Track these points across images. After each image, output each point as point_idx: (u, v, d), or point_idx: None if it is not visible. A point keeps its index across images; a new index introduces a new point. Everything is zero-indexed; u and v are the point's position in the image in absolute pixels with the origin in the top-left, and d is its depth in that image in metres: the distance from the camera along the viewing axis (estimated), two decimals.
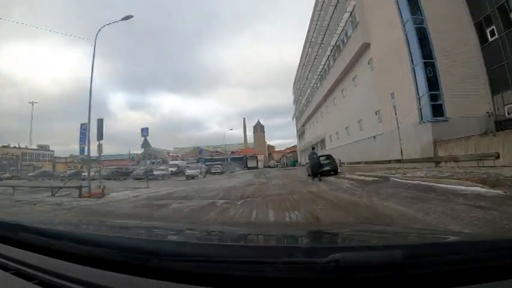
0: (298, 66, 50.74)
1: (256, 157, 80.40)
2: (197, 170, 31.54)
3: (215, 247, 0.88)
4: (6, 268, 0.84)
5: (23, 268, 0.82)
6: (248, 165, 71.66)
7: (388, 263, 0.62)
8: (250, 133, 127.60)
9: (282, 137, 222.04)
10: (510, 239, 0.96)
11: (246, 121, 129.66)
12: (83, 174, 38.72)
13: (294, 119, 62.59)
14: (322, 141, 37.10)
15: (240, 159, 77.55)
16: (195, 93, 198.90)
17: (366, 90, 22.15)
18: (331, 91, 31.31)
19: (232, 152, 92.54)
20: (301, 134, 56.12)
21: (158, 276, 0.71)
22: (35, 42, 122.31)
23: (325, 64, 31.90)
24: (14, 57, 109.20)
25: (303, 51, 44.57)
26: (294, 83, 60.10)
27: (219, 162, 48.31)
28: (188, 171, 32.12)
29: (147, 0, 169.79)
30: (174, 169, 37.88)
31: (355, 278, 0.62)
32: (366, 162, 22.44)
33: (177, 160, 60.74)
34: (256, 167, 71.84)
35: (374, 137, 21.09)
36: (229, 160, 51.42)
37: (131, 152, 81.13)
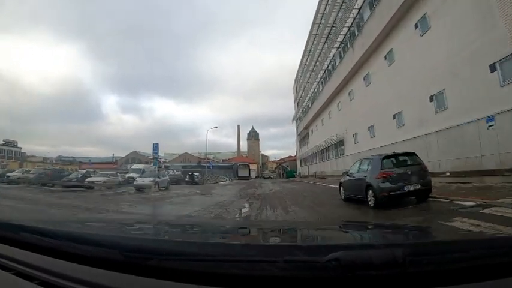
0: (303, 53, 39.78)
1: (249, 166, 69.19)
2: (150, 179, 19.74)
3: (216, 246, 0.87)
4: (7, 268, 0.81)
5: (24, 268, 0.80)
6: (239, 175, 61.12)
7: (389, 262, 0.60)
8: (244, 143, 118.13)
9: (277, 147, 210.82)
10: (509, 237, 0.92)
11: (241, 130, 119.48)
12: (7, 175, 27.54)
13: (294, 121, 51.36)
14: (339, 143, 25.62)
15: (230, 167, 66.58)
16: (188, 99, 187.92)
17: (456, 28, 10.90)
18: (360, 66, 20.11)
19: (224, 160, 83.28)
20: (303, 139, 44.75)
21: (159, 276, 0.69)
22: (25, 37, 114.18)
23: (352, 24, 20.76)
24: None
25: (312, 27, 33.58)
26: (296, 79, 49.20)
27: (198, 170, 36.73)
28: (138, 181, 20.48)
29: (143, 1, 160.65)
30: (134, 175, 25.79)
31: (356, 277, 0.60)
32: (453, 174, 11.02)
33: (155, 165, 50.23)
34: (248, 177, 61.65)
35: (490, 118, 9.57)
36: (211, 167, 39.49)
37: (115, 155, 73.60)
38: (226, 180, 46.84)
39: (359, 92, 21.06)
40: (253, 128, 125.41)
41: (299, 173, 46.83)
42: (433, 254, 0.68)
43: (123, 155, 75.14)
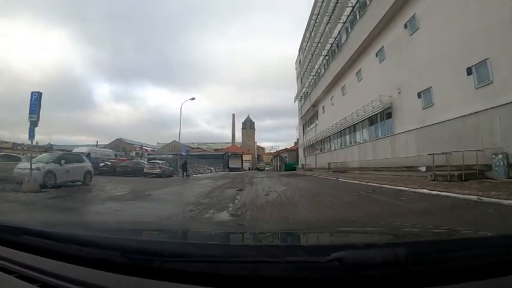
0: (313, 7, 29.50)
1: (241, 156, 60.16)
2: (24, 169, 9.85)
3: (218, 247, 0.84)
4: (9, 271, 0.79)
5: (27, 271, 0.78)
6: (230, 166, 53.09)
7: (391, 261, 0.60)
8: (239, 134, 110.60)
9: (273, 139, 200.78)
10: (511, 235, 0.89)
11: (237, 122, 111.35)
12: None
13: (297, 100, 41.28)
14: (380, 115, 15.64)
15: (221, 157, 57.20)
16: (182, 88, 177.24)
17: None
18: None
19: (217, 150, 75.53)
20: (308, 121, 34.79)
21: (162, 277, 0.68)
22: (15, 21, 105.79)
23: None
24: None
25: None
26: (300, 49, 39.02)
27: (162, 156, 26.95)
28: (19, 167, 10.52)
29: None
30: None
31: (359, 276, 0.59)
32: None
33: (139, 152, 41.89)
34: (240, 169, 53.01)
35: None
36: (184, 154, 29.52)
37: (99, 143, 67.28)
38: (211, 171, 37.10)
39: (437, 12, 11.02)
40: (248, 116, 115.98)
41: (302, 164, 36.98)
42: (435, 253, 0.66)
43: (102, 142, 68.03)
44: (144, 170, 20.99)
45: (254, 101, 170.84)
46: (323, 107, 27.45)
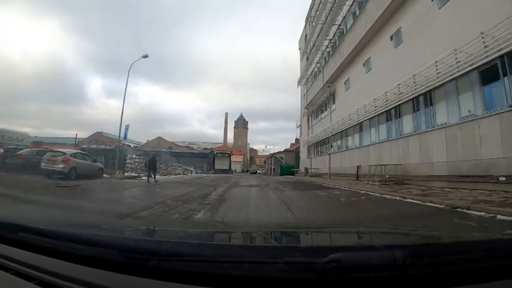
0: None
1: (229, 155, 51.23)
2: None
3: (215, 247, 0.84)
4: (6, 268, 0.79)
5: (23, 268, 0.77)
6: (216, 167, 44.27)
7: (388, 263, 0.60)
8: (231, 135, 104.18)
9: (266, 142, 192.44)
10: (509, 239, 0.89)
11: (230, 122, 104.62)
12: None
13: (300, 85, 32.22)
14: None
15: (205, 156, 47.93)
16: (175, 86, 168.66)
17: None
18: None
19: (206, 149, 69.62)
20: (317, 110, 25.71)
21: (158, 276, 0.67)
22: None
23: None
24: None
25: None
26: (307, 20, 30.14)
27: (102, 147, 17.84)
28: None
29: None
30: None
31: (356, 278, 0.60)
32: None
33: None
34: (228, 171, 44.12)
35: None
36: (124, 139, 20.26)
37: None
38: (183, 172, 27.83)
39: None
40: (241, 115, 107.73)
41: (306, 168, 27.85)
42: (432, 256, 0.65)
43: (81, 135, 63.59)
44: (42, 165, 11.74)
45: (249, 103, 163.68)
46: (346, 82, 18.32)
